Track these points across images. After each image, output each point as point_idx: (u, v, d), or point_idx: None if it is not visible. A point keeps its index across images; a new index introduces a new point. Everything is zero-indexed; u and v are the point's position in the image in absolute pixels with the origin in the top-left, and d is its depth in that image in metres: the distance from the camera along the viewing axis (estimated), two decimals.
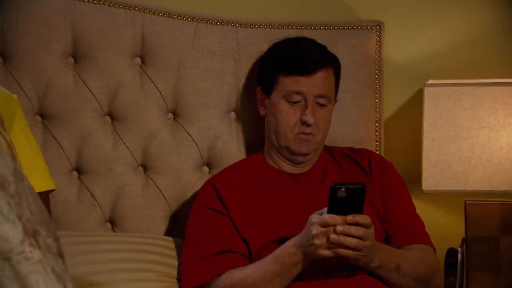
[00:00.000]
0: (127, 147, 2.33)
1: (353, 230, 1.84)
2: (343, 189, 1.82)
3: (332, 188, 1.82)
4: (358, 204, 1.85)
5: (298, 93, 2.10)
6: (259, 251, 2.07)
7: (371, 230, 1.87)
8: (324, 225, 1.85)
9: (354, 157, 2.24)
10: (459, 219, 2.49)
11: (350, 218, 1.84)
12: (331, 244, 1.88)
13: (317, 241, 1.87)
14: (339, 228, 1.84)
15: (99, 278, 2.05)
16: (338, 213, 1.85)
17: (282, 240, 2.05)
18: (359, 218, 1.84)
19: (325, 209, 1.88)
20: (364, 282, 2.04)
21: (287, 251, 1.97)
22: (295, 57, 2.14)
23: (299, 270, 1.99)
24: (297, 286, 2.02)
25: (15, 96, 2.06)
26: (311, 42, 2.19)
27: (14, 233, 1.51)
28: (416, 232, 2.16)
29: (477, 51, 2.66)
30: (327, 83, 2.13)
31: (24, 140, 1.99)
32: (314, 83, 2.10)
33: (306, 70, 2.10)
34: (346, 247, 1.88)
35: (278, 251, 1.98)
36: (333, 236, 1.84)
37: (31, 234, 1.55)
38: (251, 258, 2.09)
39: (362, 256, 1.89)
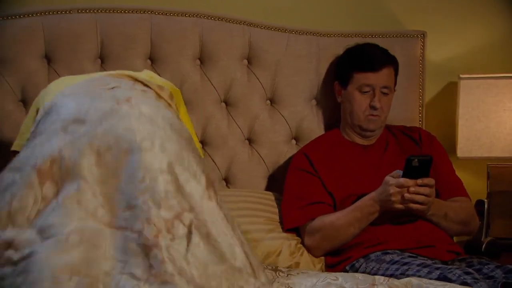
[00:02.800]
0: (238, 126, 2.49)
1: (422, 190, 2.02)
2: (416, 159, 1.98)
3: (408, 159, 1.99)
4: (426, 170, 2.01)
5: (368, 85, 2.28)
6: (341, 202, 2.22)
7: (434, 190, 2.05)
8: (400, 186, 2.02)
9: (408, 132, 2.40)
10: (484, 178, 2.60)
11: (420, 181, 2.01)
12: (404, 200, 2.03)
13: (394, 198, 2.04)
14: (412, 189, 2.01)
15: None
16: (410, 177, 2.01)
17: (357, 195, 2.19)
18: (427, 180, 2.02)
19: (396, 172, 2.04)
20: (422, 226, 2.17)
21: (366, 203, 2.12)
22: (366, 58, 2.30)
23: (374, 218, 2.13)
24: (371, 229, 2.17)
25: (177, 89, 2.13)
26: (376, 46, 2.36)
27: (197, 189, 1.63)
28: (457, 188, 2.31)
29: (499, 51, 2.69)
30: (389, 77, 2.31)
31: (187, 123, 2.03)
32: (380, 78, 2.28)
33: (374, 68, 2.27)
34: (416, 202, 2.04)
35: (358, 203, 2.15)
36: (407, 195, 2.02)
37: (210, 186, 1.67)
38: (335, 208, 2.23)
39: (425, 209, 2.07)
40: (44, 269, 1.45)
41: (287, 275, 1.85)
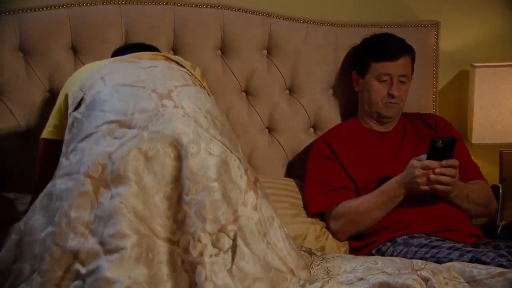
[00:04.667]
0: (258, 115, 2.46)
1: (447, 171, 1.98)
2: (440, 141, 1.96)
3: (432, 140, 1.96)
4: (449, 152, 1.98)
5: (386, 74, 2.25)
6: (363, 188, 2.19)
7: (458, 171, 2.01)
8: (425, 168, 1.99)
9: (424, 119, 2.38)
10: (497, 164, 2.60)
11: (444, 162, 1.98)
12: (429, 182, 2.00)
13: (419, 180, 2.00)
14: (438, 170, 1.98)
15: None
16: (435, 159, 1.98)
17: (378, 180, 2.17)
18: (451, 161, 1.99)
19: (423, 156, 2.01)
20: (445, 209, 2.14)
21: (391, 187, 2.08)
22: (383, 48, 2.27)
23: (399, 200, 2.09)
24: (396, 213, 2.13)
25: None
26: (393, 36, 2.33)
27: (239, 195, 1.58)
28: (475, 172, 2.29)
29: (510, 40, 2.66)
30: (406, 66, 2.28)
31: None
32: (397, 66, 2.25)
33: (392, 57, 2.25)
34: (441, 183, 2.00)
35: (383, 187, 2.11)
36: (433, 176, 1.98)
37: (252, 184, 1.62)
38: (357, 193, 2.20)
39: (450, 189, 2.02)
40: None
41: (323, 258, 1.81)
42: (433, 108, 2.58)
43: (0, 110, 2.30)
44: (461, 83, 2.68)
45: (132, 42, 2.32)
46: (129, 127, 1.59)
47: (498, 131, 2.51)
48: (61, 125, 1.84)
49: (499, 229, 2.37)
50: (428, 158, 2.00)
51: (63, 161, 1.62)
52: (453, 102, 2.70)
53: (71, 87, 1.83)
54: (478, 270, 1.65)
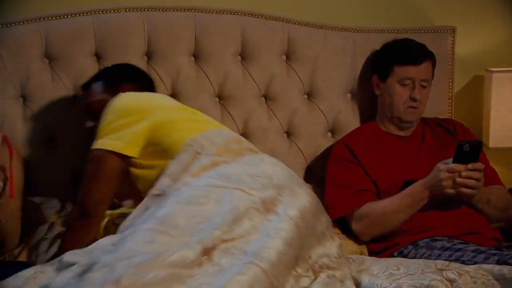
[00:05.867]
0: (277, 119, 2.44)
1: (473, 174, 1.94)
2: (467, 144, 1.92)
3: (459, 144, 1.92)
4: (475, 155, 1.94)
5: (409, 78, 2.24)
6: (384, 191, 2.17)
7: (483, 174, 1.97)
8: (451, 171, 1.95)
9: (443, 124, 2.37)
10: None
11: (470, 166, 1.94)
12: (455, 185, 1.96)
13: (445, 183, 1.96)
14: (464, 173, 1.94)
15: None
16: (460, 162, 1.94)
17: (399, 183, 2.15)
18: (477, 165, 1.95)
19: (449, 160, 1.97)
20: (466, 212, 2.12)
21: (416, 190, 2.05)
22: (407, 52, 2.26)
23: (424, 203, 2.05)
24: (418, 216, 2.09)
25: None
26: (415, 41, 2.31)
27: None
28: (494, 177, 2.27)
29: None
30: (428, 71, 2.27)
31: None
32: (420, 71, 2.24)
33: (415, 61, 2.23)
34: (467, 187, 1.96)
35: (408, 190, 2.07)
36: (459, 179, 1.95)
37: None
38: (378, 196, 2.17)
39: (475, 193, 1.99)
40: None
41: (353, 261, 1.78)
42: (449, 112, 2.57)
43: (26, 115, 2.28)
44: (476, 88, 2.66)
45: (153, 48, 2.32)
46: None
47: None
48: (137, 144, 1.78)
49: None
50: (454, 162, 1.97)
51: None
52: (468, 107, 2.68)
53: (157, 114, 1.80)
54: (508, 269, 1.61)
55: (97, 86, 2.11)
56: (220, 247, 1.43)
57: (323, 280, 1.52)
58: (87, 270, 1.40)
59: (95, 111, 1.96)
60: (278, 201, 1.59)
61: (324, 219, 1.68)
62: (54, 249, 1.99)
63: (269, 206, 1.56)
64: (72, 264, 1.48)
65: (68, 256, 1.53)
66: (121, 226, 1.62)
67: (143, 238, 1.42)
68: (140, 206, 1.63)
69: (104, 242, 1.54)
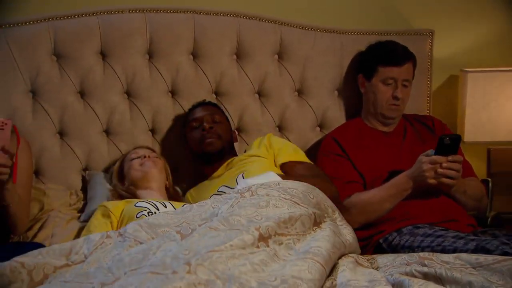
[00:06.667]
0: (270, 114, 2.53)
1: (453, 165, 2.02)
2: (448, 138, 1.99)
3: (440, 138, 2.00)
4: (455, 148, 2.02)
5: (391, 78, 2.33)
6: (370, 182, 2.25)
7: (461, 166, 2.05)
8: (433, 163, 2.03)
9: (422, 120, 2.46)
10: (484, 161, 2.72)
11: (450, 158, 2.02)
12: (436, 175, 2.04)
13: (427, 174, 2.04)
14: (445, 164, 2.02)
15: None
16: (441, 155, 2.02)
17: (384, 175, 2.24)
18: (456, 157, 2.03)
19: (430, 151, 2.05)
20: (445, 202, 2.21)
21: (400, 181, 2.13)
22: (391, 54, 2.34)
23: (407, 193, 2.13)
24: (402, 205, 2.17)
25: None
26: (398, 44, 2.39)
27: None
28: (469, 169, 2.35)
29: (496, 47, 2.74)
30: (409, 71, 2.36)
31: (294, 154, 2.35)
32: (402, 71, 2.33)
33: (398, 63, 2.32)
34: (447, 177, 2.04)
35: (393, 181, 2.15)
36: (440, 170, 2.02)
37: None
38: (365, 187, 2.25)
39: (455, 183, 2.06)
40: None
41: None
42: (427, 109, 2.66)
43: (36, 110, 2.36)
44: (452, 87, 2.75)
45: (155, 48, 2.41)
46: None
47: (487, 131, 2.58)
48: None
49: (489, 219, 2.43)
50: (435, 154, 2.04)
51: None
52: (445, 104, 2.77)
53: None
54: (484, 258, 1.66)
55: None
56: (274, 238, 1.64)
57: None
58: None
59: None
60: (323, 218, 1.84)
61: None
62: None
63: (318, 220, 1.81)
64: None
65: (131, 229, 1.70)
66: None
67: (210, 233, 1.62)
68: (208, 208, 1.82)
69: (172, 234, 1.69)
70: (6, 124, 1.83)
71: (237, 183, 2.13)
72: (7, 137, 1.84)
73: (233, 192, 1.89)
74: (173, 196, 2.29)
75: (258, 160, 2.25)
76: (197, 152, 2.34)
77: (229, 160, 2.31)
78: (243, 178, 2.14)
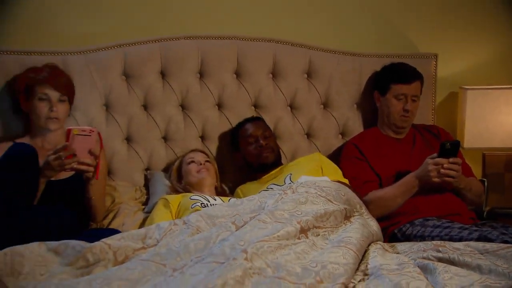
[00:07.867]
0: (300, 124, 2.74)
1: (453, 166, 2.20)
2: (448, 143, 2.17)
3: (442, 143, 2.18)
4: (455, 152, 2.19)
5: (402, 94, 2.52)
6: (385, 181, 2.42)
7: (461, 167, 2.23)
8: (436, 164, 2.20)
9: (429, 128, 2.65)
10: (479, 164, 2.89)
11: (451, 160, 2.19)
12: (439, 175, 2.21)
13: (432, 174, 2.21)
14: (446, 165, 2.19)
15: None
16: (444, 157, 2.19)
17: (397, 175, 2.40)
18: (456, 159, 2.21)
19: (434, 155, 2.22)
20: (449, 198, 2.36)
21: (409, 180, 2.30)
22: (402, 74, 2.52)
23: (415, 191, 2.29)
24: (413, 201, 2.34)
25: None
26: (408, 65, 2.58)
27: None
28: (469, 171, 2.53)
29: (490, 67, 2.95)
30: (418, 88, 2.56)
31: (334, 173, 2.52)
32: (411, 88, 2.53)
33: (408, 81, 2.52)
34: (449, 176, 2.21)
35: (403, 180, 2.30)
36: (442, 170, 2.20)
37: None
38: (380, 185, 2.42)
39: (455, 181, 2.24)
40: None
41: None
42: (432, 120, 2.85)
43: (108, 120, 2.58)
44: (453, 102, 2.94)
45: (205, 68, 2.61)
46: None
47: (483, 139, 2.76)
48: None
49: (485, 213, 2.62)
50: (438, 157, 2.21)
51: None
52: (447, 116, 2.96)
53: None
54: (490, 245, 1.81)
55: None
56: (312, 231, 1.82)
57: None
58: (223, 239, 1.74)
59: None
60: (353, 212, 2.00)
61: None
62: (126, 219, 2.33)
63: (348, 215, 1.96)
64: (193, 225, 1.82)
65: (193, 219, 1.88)
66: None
67: (259, 225, 1.80)
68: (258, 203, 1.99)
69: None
70: (93, 131, 2.05)
71: (284, 182, 2.34)
72: (94, 141, 2.05)
73: (276, 189, 2.08)
74: (220, 193, 2.51)
75: (306, 164, 2.45)
76: (253, 163, 2.55)
77: (280, 167, 2.52)
78: (293, 178, 2.32)
